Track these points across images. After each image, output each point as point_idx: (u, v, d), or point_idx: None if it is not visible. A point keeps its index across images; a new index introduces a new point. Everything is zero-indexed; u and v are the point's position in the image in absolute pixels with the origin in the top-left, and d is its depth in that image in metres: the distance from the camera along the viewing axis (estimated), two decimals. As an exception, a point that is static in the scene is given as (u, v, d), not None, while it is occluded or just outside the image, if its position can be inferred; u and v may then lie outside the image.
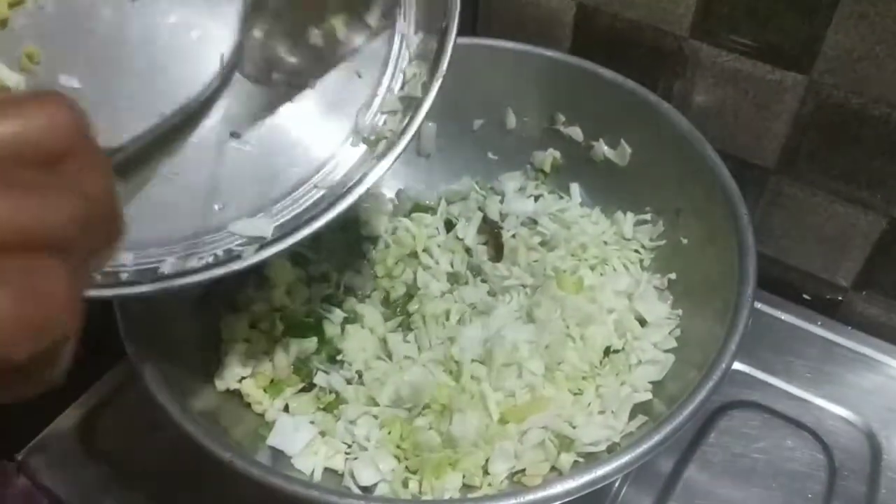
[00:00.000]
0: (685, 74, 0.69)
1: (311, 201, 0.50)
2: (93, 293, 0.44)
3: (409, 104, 0.51)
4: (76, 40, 0.47)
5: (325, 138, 0.52)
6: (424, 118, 0.50)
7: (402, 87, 0.53)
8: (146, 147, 0.47)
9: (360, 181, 0.49)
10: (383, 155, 0.49)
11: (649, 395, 0.58)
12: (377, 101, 0.53)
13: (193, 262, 0.47)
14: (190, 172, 0.49)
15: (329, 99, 0.53)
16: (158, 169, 0.49)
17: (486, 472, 0.56)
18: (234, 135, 0.50)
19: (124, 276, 0.46)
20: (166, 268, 0.46)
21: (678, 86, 0.70)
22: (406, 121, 0.50)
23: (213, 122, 0.50)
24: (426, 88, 0.50)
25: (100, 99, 0.47)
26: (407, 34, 0.54)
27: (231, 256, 0.47)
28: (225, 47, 0.49)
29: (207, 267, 0.47)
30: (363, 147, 0.52)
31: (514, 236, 0.70)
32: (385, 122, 0.52)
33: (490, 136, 0.75)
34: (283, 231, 0.48)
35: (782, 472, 0.63)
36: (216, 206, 0.49)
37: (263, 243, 0.48)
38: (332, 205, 0.48)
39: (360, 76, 0.53)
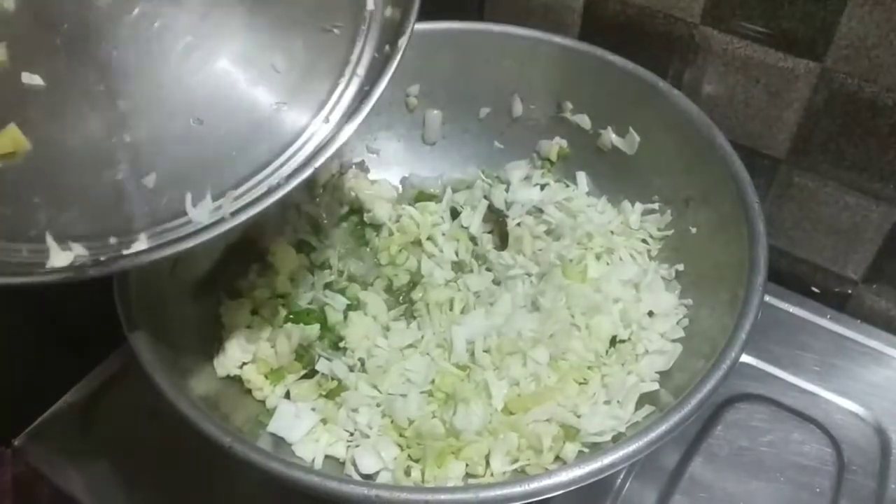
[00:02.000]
0: (696, 62, 0.68)
1: (276, 181, 0.49)
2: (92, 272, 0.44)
3: (375, 68, 0.50)
4: (39, 38, 0.47)
5: (291, 118, 0.50)
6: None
7: (370, 63, 0.51)
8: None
9: (319, 152, 0.47)
10: (342, 125, 0.48)
11: (656, 386, 0.57)
12: (344, 79, 0.51)
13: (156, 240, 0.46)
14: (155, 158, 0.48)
15: (295, 78, 0.51)
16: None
17: (489, 462, 0.55)
18: (198, 121, 0.49)
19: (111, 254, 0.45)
20: (138, 246, 0.45)
21: (688, 73, 0.69)
22: (370, 86, 0.48)
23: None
24: (390, 53, 0.49)
25: (63, 95, 0.47)
26: (374, 11, 0.52)
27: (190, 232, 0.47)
28: (189, 37, 0.49)
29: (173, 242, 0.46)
30: (331, 125, 0.50)
31: (519, 225, 0.70)
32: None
33: (496, 124, 0.74)
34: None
35: (790, 465, 0.63)
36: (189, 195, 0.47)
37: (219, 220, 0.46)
38: (292, 175, 0.47)
39: (327, 55, 0.51)
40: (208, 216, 0.46)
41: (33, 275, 0.44)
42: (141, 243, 0.46)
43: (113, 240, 0.46)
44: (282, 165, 0.49)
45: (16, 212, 0.46)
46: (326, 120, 0.49)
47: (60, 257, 0.45)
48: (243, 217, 0.46)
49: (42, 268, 0.44)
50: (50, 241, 0.45)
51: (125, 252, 0.45)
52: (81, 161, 0.47)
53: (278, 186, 0.47)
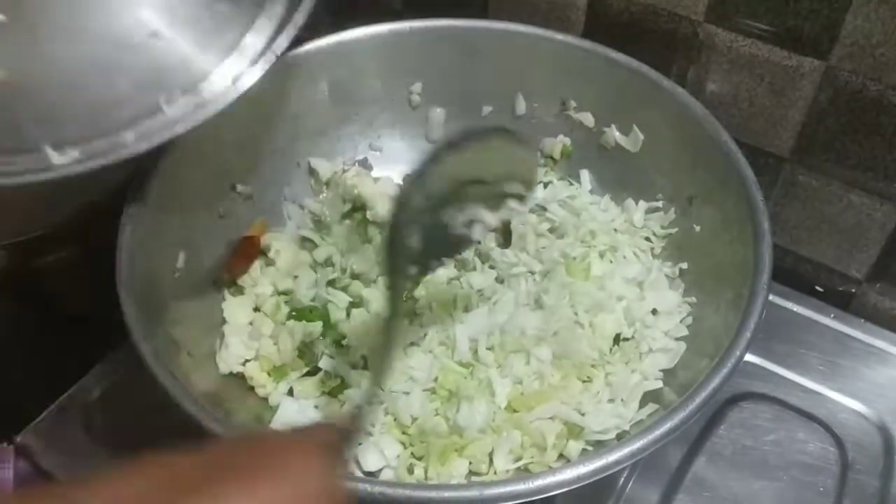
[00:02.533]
0: (699, 60, 0.68)
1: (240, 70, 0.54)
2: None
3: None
4: None
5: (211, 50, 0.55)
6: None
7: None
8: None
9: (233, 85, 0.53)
10: (256, 61, 0.54)
11: (660, 384, 0.57)
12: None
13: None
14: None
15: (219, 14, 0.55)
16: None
17: (492, 460, 0.55)
18: (153, 35, 0.54)
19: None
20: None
21: (692, 71, 0.69)
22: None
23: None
24: None
25: (27, 30, 0.51)
26: None
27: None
28: None
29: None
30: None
31: (522, 223, 0.69)
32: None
33: (500, 121, 0.74)
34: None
35: (794, 465, 0.62)
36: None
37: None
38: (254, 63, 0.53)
39: None
40: (181, 112, 0.52)
41: (38, 172, 0.49)
42: (129, 137, 0.51)
43: (103, 141, 0.51)
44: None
45: (8, 130, 0.50)
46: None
47: (60, 159, 0.49)
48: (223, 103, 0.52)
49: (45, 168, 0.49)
50: (48, 149, 0.49)
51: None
52: (56, 79, 0.52)
53: (242, 74, 0.53)
